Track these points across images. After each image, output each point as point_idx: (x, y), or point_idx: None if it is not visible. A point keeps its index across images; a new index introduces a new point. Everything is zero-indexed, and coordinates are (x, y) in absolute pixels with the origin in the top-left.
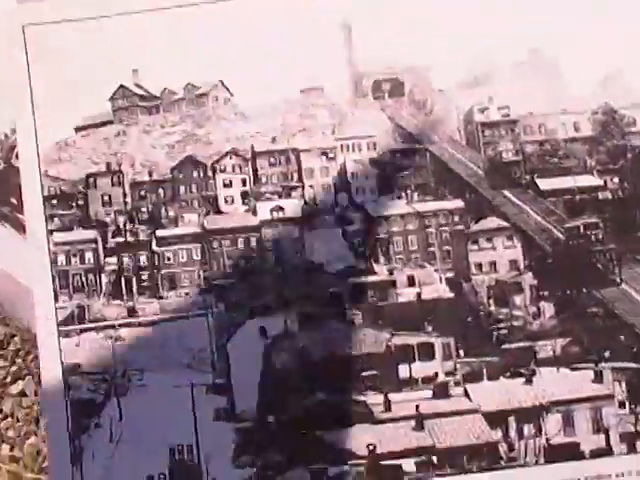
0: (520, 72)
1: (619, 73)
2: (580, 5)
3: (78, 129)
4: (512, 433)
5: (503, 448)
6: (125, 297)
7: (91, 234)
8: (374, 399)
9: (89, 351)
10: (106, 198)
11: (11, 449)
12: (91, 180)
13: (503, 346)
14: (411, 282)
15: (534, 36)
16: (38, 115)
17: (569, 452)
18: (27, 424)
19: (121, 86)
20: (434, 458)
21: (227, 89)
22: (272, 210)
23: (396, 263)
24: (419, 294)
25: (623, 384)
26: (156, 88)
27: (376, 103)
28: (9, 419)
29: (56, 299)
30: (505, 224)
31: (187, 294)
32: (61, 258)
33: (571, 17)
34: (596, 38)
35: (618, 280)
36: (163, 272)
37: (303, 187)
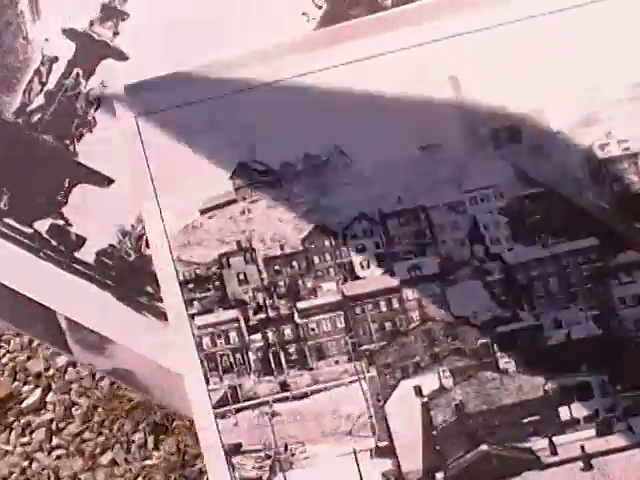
0: (631, 106)
1: None
2: None
3: (203, 211)
4: None
5: None
6: (275, 372)
7: (232, 314)
8: (539, 444)
9: (247, 430)
10: (242, 276)
11: None
12: (224, 260)
13: None
14: (558, 324)
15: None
16: (162, 202)
17: None
18: None
19: (240, 164)
20: None
21: (345, 154)
22: (409, 269)
23: (540, 307)
24: (568, 335)
25: None
26: (274, 162)
27: (496, 152)
28: None
29: (207, 382)
30: None
31: (337, 362)
32: (206, 341)
33: None
34: None
35: None
36: (310, 343)
37: (437, 243)
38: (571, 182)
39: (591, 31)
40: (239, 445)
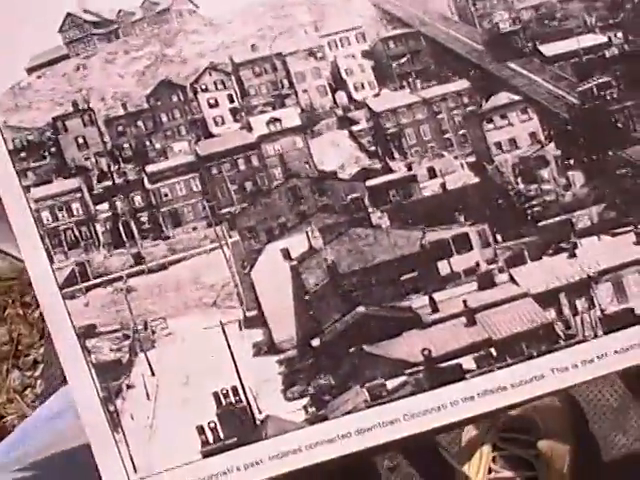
0: None
1: None
2: None
3: (31, 70)
4: (566, 311)
5: (560, 327)
6: (127, 244)
7: (74, 183)
8: (419, 302)
9: (101, 309)
10: (81, 140)
11: None
12: (59, 124)
13: (540, 223)
14: (432, 174)
15: None
16: None
17: (626, 319)
18: None
19: (68, 14)
20: (492, 351)
21: (190, 0)
22: (268, 123)
23: (413, 157)
24: (443, 184)
25: None
26: (109, 11)
27: None
28: None
29: (51, 260)
30: (517, 97)
31: (195, 229)
32: (46, 215)
33: None
34: None
35: None
36: (163, 210)
37: (296, 93)
38: (439, 21)
39: None
40: (93, 327)
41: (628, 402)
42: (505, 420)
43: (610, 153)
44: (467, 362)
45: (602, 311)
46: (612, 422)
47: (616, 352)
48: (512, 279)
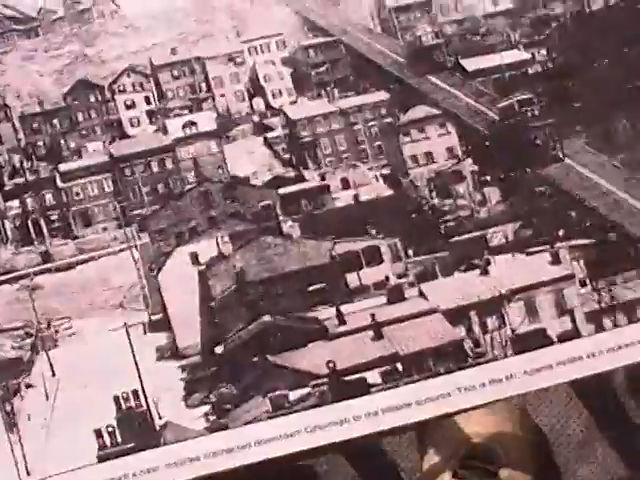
0: None
1: None
2: None
3: None
4: (476, 328)
5: (468, 345)
6: (36, 242)
7: None
8: (326, 313)
9: (5, 306)
10: None
11: None
12: None
13: (452, 239)
14: (346, 185)
15: None
16: None
17: (537, 339)
18: None
19: None
20: (399, 366)
21: (112, 1)
22: (184, 126)
23: (327, 166)
24: (356, 196)
25: (582, 262)
26: (31, 8)
27: None
28: None
29: None
30: (435, 111)
31: (105, 229)
32: None
33: None
34: None
35: (561, 155)
36: (74, 209)
37: (214, 98)
38: (361, 32)
39: None
40: None
41: (594, 434)
42: (467, 448)
43: (528, 171)
44: (372, 376)
45: (513, 331)
46: (576, 453)
47: (526, 373)
48: (422, 294)
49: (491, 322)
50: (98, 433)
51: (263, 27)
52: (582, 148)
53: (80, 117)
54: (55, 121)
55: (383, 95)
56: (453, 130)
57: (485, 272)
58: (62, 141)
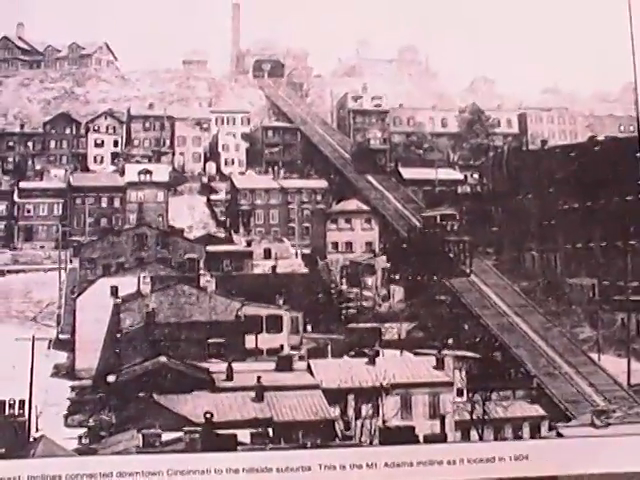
0: (393, 66)
1: (488, 77)
2: (453, 9)
3: None
4: (350, 412)
5: (339, 426)
6: None
7: None
8: (217, 367)
9: None
10: None
11: None
12: None
13: (350, 325)
14: (267, 255)
15: (407, 34)
16: None
17: (404, 435)
18: None
19: (4, 37)
20: (270, 430)
21: (112, 52)
22: (140, 173)
23: (255, 235)
24: (274, 267)
25: (463, 372)
26: (41, 44)
27: (255, 81)
28: None
29: None
30: (365, 207)
31: (42, 247)
32: None
33: (444, 19)
34: (468, 41)
35: (468, 271)
36: (20, 223)
37: (174, 154)
38: (319, 125)
39: None
40: None
41: None
42: None
43: (435, 278)
44: (243, 435)
45: (384, 422)
46: None
47: (386, 465)
48: (309, 369)
49: (365, 409)
50: None
51: (234, 102)
52: (489, 269)
53: (52, 144)
54: (29, 143)
55: (323, 183)
56: (376, 227)
57: (372, 362)
58: (30, 162)
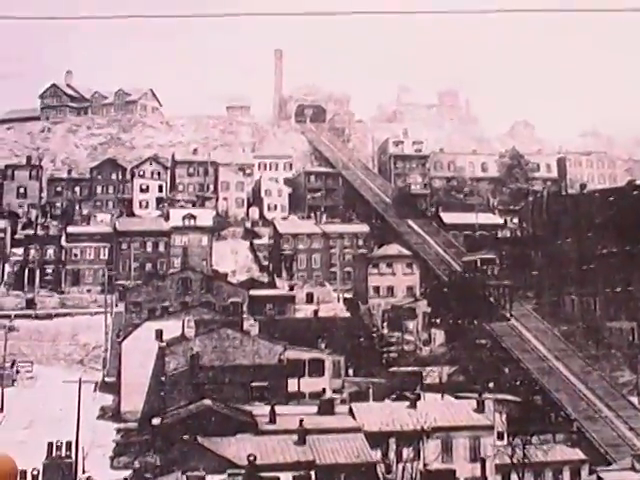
0: (433, 111)
1: (528, 122)
2: (493, 53)
3: (3, 121)
4: (391, 455)
5: (381, 469)
6: (26, 289)
7: (1, 223)
8: (260, 410)
9: None
10: (22, 190)
11: None
12: (9, 171)
13: (391, 369)
14: (310, 299)
15: (447, 79)
16: None
17: (445, 479)
18: None
19: (53, 85)
20: (312, 473)
21: (156, 99)
22: (184, 217)
23: (298, 279)
24: (316, 311)
25: (504, 416)
26: (88, 91)
27: (298, 126)
28: None
29: None
30: (406, 252)
31: (89, 291)
32: None
33: (484, 64)
34: (508, 86)
35: (508, 315)
36: (68, 267)
37: (217, 199)
38: (360, 170)
39: (404, 36)
40: None
41: None
42: None
43: (475, 322)
44: (285, 478)
45: (425, 465)
46: None
47: None
48: (351, 412)
49: (407, 452)
50: (22, 474)
51: (277, 148)
52: (529, 313)
53: (99, 189)
54: (77, 189)
55: (364, 228)
56: (417, 272)
57: (413, 405)
58: (77, 207)
